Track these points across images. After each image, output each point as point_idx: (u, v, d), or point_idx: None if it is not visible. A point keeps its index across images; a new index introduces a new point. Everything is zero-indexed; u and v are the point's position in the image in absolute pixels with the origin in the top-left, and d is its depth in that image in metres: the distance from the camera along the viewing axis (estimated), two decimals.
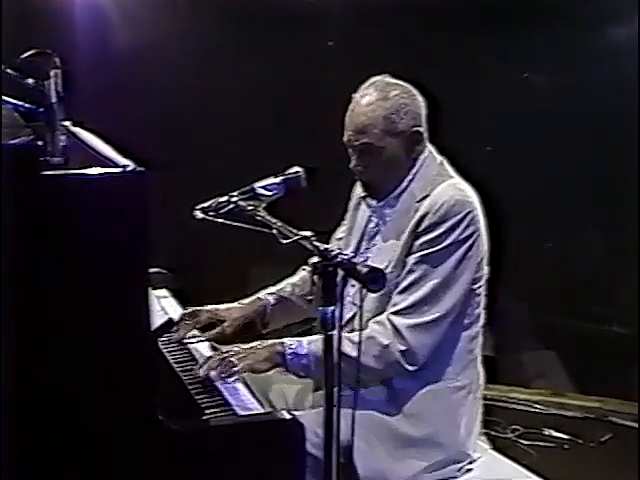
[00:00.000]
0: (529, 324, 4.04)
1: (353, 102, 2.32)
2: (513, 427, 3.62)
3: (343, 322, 2.29)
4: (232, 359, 2.21)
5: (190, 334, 2.43)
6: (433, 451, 2.25)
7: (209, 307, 2.50)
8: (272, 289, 2.60)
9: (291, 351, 2.22)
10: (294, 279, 2.62)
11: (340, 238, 2.55)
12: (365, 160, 2.30)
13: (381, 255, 2.30)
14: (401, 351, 2.20)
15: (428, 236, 2.22)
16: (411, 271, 2.23)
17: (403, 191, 2.31)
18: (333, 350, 1.85)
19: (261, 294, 2.58)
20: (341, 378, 1.86)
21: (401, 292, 2.24)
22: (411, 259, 2.24)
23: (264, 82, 3.92)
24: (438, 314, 2.22)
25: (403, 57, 3.68)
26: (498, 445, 2.52)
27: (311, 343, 2.23)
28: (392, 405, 2.26)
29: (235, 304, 2.54)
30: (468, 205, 2.24)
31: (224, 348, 2.31)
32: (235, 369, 2.19)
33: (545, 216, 3.90)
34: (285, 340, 2.26)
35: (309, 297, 1.97)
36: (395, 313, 2.23)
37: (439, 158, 2.37)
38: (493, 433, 3.31)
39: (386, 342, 2.21)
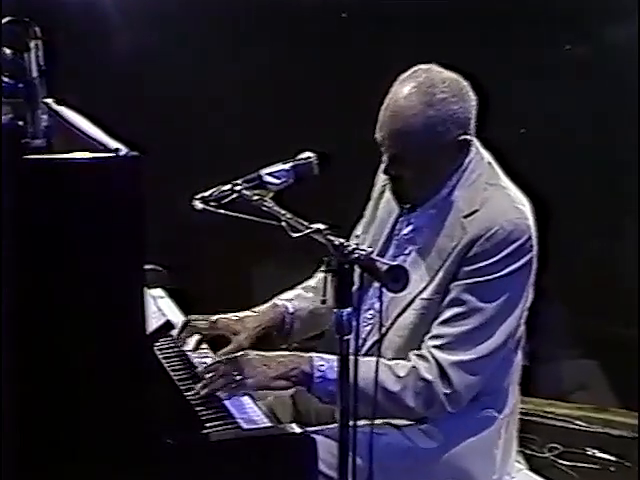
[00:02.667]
0: (568, 330, 4.04)
1: (390, 96, 2.19)
2: (551, 445, 3.61)
3: (369, 344, 2.29)
4: (239, 371, 2.14)
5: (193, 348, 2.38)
6: None
7: (216, 317, 2.41)
8: (290, 294, 2.52)
9: (320, 374, 2.16)
10: (312, 283, 2.55)
11: (358, 235, 2.50)
12: (399, 169, 2.22)
13: (417, 271, 2.21)
14: (446, 394, 2.16)
15: (480, 264, 2.15)
16: (457, 301, 2.16)
17: (444, 199, 2.23)
18: (349, 363, 1.85)
19: (277, 300, 2.50)
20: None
21: (445, 323, 2.17)
22: (458, 287, 2.17)
23: (272, 57, 3.93)
24: (488, 351, 2.16)
25: (423, 29, 3.68)
26: (534, 465, 2.53)
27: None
28: (419, 432, 2.24)
29: (247, 312, 2.46)
30: (527, 229, 2.17)
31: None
32: (242, 387, 2.13)
33: (589, 210, 3.89)
34: (313, 357, 2.18)
35: (322, 297, 1.97)
36: (437, 347, 2.17)
37: (487, 157, 2.28)
38: (528, 452, 3.31)
39: (429, 377, 2.16)
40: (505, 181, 2.28)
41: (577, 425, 3.85)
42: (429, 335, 2.20)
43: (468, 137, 2.21)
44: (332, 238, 1.92)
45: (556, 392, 4.00)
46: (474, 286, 2.16)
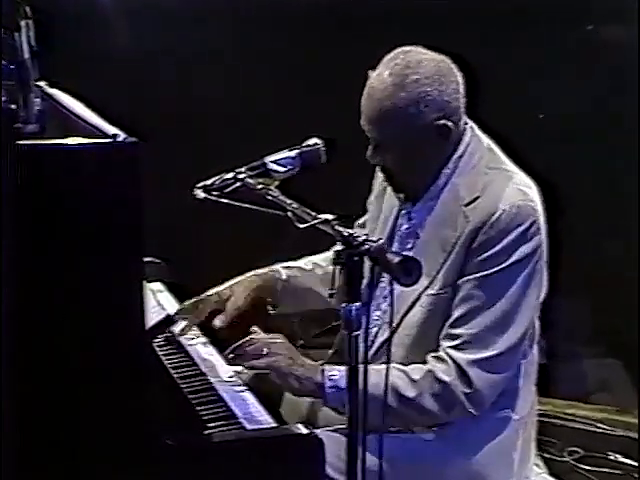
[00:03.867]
0: (589, 327, 4.04)
1: (368, 83, 2.23)
2: (571, 449, 3.61)
3: (375, 346, 2.30)
4: (267, 346, 2.19)
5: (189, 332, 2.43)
6: None
7: (204, 294, 2.47)
8: (289, 263, 2.56)
9: (332, 384, 2.17)
10: (319, 257, 2.57)
11: (362, 224, 2.53)
12: (381, 155, 2.25)
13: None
14: (466, 394, 2.16)
15: (486, 254, 2.15)
16: (468, 297, 2.17)
17: (443, 188, 2.25)
18: (358, 361, 1.86)
19: (274, 266, 2.54)
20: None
21: (457, 323, 2.18)
22: (467, 283, 2.17)
23: (274, 42, 3.93)
24: (508, 345, 2.17)
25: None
26: (554, 469, 2.54)
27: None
28: (433, 435, 2.25)
29: (237, 279, 2.50)
30: (532, 212, 2.18)
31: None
32: (263, 363, 2.18)
33: (612, 204, 3.89)
34: (326, 367, 2.20)
35: (331, 291, 1.97)
36: (453, 347, 2.17)
37: (486, 141, 2.29)
38: (547, 456, 3.31)
39: (448, 379, 2.16)
40: (507, 164, 2.28)
41: (599, 428, 3.83)
42: (443, 335, 2.20)
43: (448, 122, 2.20)
44: (341, 229, 1.92)
45: (577, 393, 3.99)
46: (484, 280, 2.16)
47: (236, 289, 2.46)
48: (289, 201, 2.08)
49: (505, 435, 2.28)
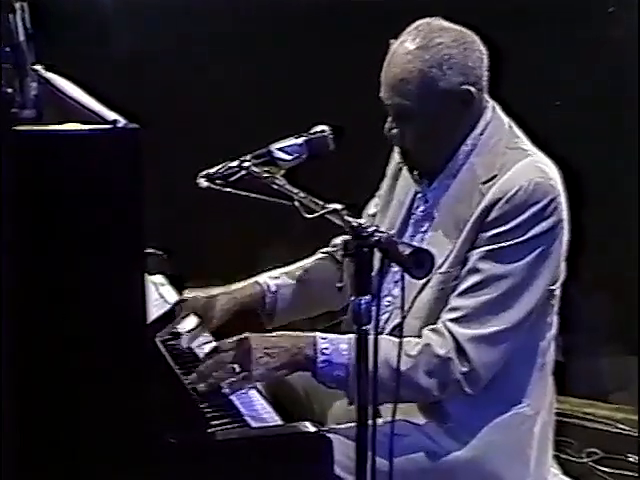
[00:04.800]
0: (609, 324, 4.04)
1: (390, 50, 2.27)
2: (590, 450, 3.62)
3: (388, 329, 2.32)
4: (240, 363, 2.15)
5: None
6: None
7: (185, 296, 2.45)
8: (275, 272, 2.55)
9: (324, 357, 2.18)
10: (307, 262, 2.58)
11: (373, 214, 2.53)
12: (401, 124, 2.27)
13: (435, 248, 2.20)
14: (462, 371, 2.17)
15: (499, 229, 2.17)
16: (475, 270, 2.19)
17: (461, 166, 2.27)
18: (367, 355, 1.85)
19: (260, 277, 2.52)
20: (378, 394, 1.85)
21: (462, 295, 2.20)
22: (475, 254, 2.19)
23: (278, 29, 3.94)
24: (509, 324, 2.18)
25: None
26: (571, 471, 2.56)
27: (351, 350, 2.15)
28: (443, 432, 2.26)
29: (221, 289, 2.48)
30: (551, 190, 2.20)
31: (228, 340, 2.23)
32: (238, 384, 2.15)
33: (636, 197, 3.88)
34: (317, 338, 2.19)
35: (339, 284, 1.98)
36: (453, 320, 2.19)
37: (506, 120, 2.32)
38: (564, 456, 3.33)
39: (443, 352, 2.17)
40: (527, 144, 2.30)
41: (618, 429, 3.84)
42: (446, 308, 2.22)
43: (472, 88, 2.24)
44: (350, 219, 1.93)
45: (595, 392, 4.00)
46: (493, 253, 2.18)
47: (213, 309, 2.42)
48: (296, 190, 2.08)
49: (520, 432, 2.29)
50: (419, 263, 1.84)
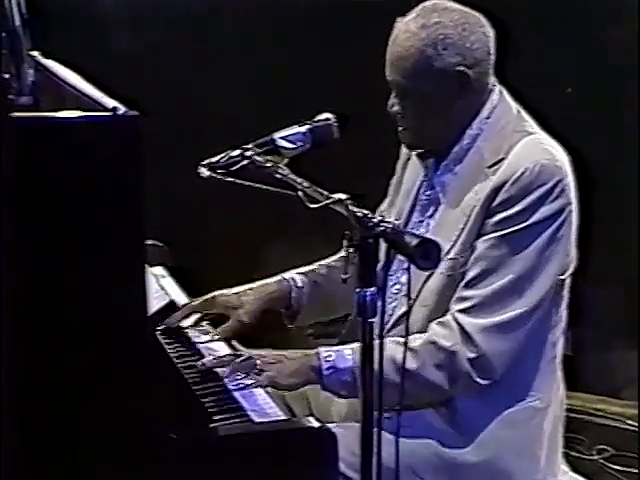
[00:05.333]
0: (621, 317, 4.04)
1: (394, 30, 2.32)
2: (600, 447, 3.62)
3: (394, 318, 2.33)
4: (252, 362, 2.21)
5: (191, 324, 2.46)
6: None
7: (213, 294, 2.48)
8: (302, 269, 2.56)
9: (328, 365, 2.20)
10: (330, 260, 2.58)
11: (384, 210, 2.55)
12: (400, 99, 2.31)
13: (441, 234, 2.26)
14: (470, 359, 2.18)
15: (505, 213, 2.18)
16: (483, 257, 2.20)
17: (467, 151, 2.29)
18: (373, 349, 1.85)
19: (286, 274, 2.55)
20: (388, 396, 1.86)
21: (470, 284, 2.21)
22: (483, 242, 2.20)
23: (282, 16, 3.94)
24: (519, 312, 2.19)
25: None
26: (582, 469, 2.54)
27: (355, 353, 2.19)
28: (450, 427, 2.27)
29: (249, 285, 2.51)
30: (557, 171, 2.21)
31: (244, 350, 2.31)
32: (251, 380, 2.18)
33: None
34: (320, 350, 2.23)
35: (344, 276, 1.98)
36: (463, 311, 2.20)
37: (514, 105, 2.34)
38: (575, 454, 3.33)
39: (450, 345, 2.18)
40: (534, 127, 2.32)
41: (630, 425, 3.84)
42: (454, 299, 2.23)
43: (468, 70, 2.26)
44: (355, 209, 1.92)
45: (606, 387, 4.00)
46: (500, 239, 2.19)
47: (245, 301, 2.47)
48: (299, 180, 2.09)
49: (530, 427, 2.30)
50: (426, 254, 1.84)
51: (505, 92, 2.35)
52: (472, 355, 2.18)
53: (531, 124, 2.32)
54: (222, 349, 2.38)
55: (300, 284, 2.53)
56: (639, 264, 3.75)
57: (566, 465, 2.47)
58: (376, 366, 1.86)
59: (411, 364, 2.15)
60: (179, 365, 2.27)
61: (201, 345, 2.39)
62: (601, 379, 4.02)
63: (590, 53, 3.85)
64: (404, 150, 2.52)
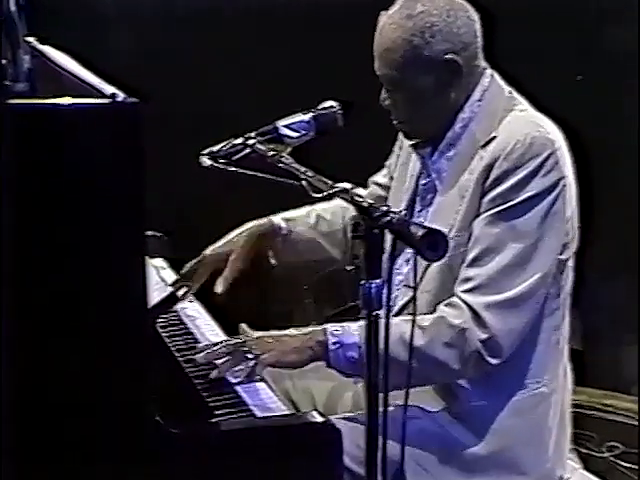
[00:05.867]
0: (632, 311, 4.04)
1: (379, 23, 2.33)
2: (610, 444, 3.63)
3: (396, 308, 2.35)
4: (249, 347, 2.21)
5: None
6: (514, 478, 2.28)
7: (202, 254, 2.52)
8: (289, 213, 2.61)
9: (335, 339, 2.21)
10: (321, 208, 2.61)
11: (382, 185, 2.59)
12: (391, 93, 2.33)
13: (440, 218, 2.30)
14: (481, 340, 2.19)
15: (499, 189, 2.21)
16: (482, 236, 2.23)
17: (460, 135, 2.32)
18: (378, 341, 1.86)
19: (273, 217, 2.59)
20: (391, 377, 1.85)
21: (472, 264, 2.23)
22: (480, 221, 2.24)
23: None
24: (523, 287, 2.21)
25: None
26: (591, 466, 2.56)
27: (363, 330, 2.22)
28: (456, 416, 2.28)
29: (235, 232, 2.55)
30: (549, 144, 2.24)
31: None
32: (251, 364, 2.20)
33: None
34: (328, 325, 2.25)
35: (348, 267, 1.99)
36: (468, 291, 2.22)
37: (507, 88, 2.37)
38: (584, 451, 3.33)
39: (458, 322, 2.20)
40: (526, 105, 2.34)
41: None
42: (458, 280, 2.25)
43: (457, 57, 2.28)
44: (360, 199, 1.93)
45: (616, 383, 4.00)
46: (496, 216, 2.22)
47: (236, 245, 2.51)
48: (303, 169, 2.09)
49: (537, 413, 2.31)
50: (432, 245, 1.84)
51: (496, 75, 2.37)
52: (484, 336, 2.20)
53: (522, 103, 2.35)
54: (215, 334, 2.40)
55: (285, 231, 2.56)
56: (639, 265, 3.76)
57: (577, 461, 2.48)
58: (383, 346, 1.86)
59: (419, 341, 2.16)
60: (179, 358, 2.27)
61: (196, 332, 2.41)
62: (611, 374, 4.02)
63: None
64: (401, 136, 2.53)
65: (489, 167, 2.24)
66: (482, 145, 2.27)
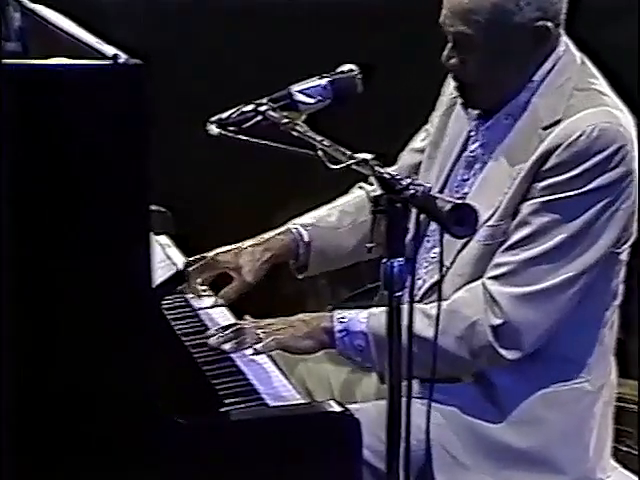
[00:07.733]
0: None
1: None
2: None
3: (423, 290, 2.36)
4: (259, 331, 2.26)
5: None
6: (550, 476, 2.29)
7: (213, 253, 2.52)
8: (307, 218, 2.59)
9: (341, 327, 2.26)
10: (342, 202, 2.61)
11: (421, 150, 2.55)
12: (462, 52, 2.29)
13: (485, 195, 2.29)
14: (493, 327, 2.20)
15: (556, 179, 2.20)
16: (525, 223, 2.22)
17: (524, 107, 2.30)
18: (400, 324, 1.88)
19: (291, 225, 2.58)
20: (412, 368, 1.88)
21: (508, 250, 2.23)
22: (527, 206, 2.22)
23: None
24: (553, 282, 2.21)
25: None
26: (630, 464, 2.56)
27: (371, 317, 2.25)
28: (491, 408, 2.29)
29: (252, 241, 2.54)
30: (619, 137, 2.22)
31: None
32: (261, 345, 2.24)
33: None
34: (334, 312, 2.29)
35: (370, 245, 2.00)
36: (494, 278, 2.23)
37: (578, 56, 2.34)
38: (624, 448, 3.33)
39: (473, 315, 2.21)
40: (602, 84, 2.32)
41: None
42: (490, 265, 2.25)
43: (549, 24, 2.25)
44: (381, 170, 1.93)
45: None
46: (547, 205, 2.21)
47: (245, 261, 2.50)
48: (319, 138, 2.10)
49: (578, 410, 2.32)
50: (460, 220, 1.85)
51: (570, 44, 2.35)
52: (496, 321, 2.20)
53: (598, 80, 2.32)
54: (224, 318, 2.43)
55: (307, 239, 2.55)
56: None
57: (614, 460, 2.50)
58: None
59: (427, 332, 2.15)
60: (188, 343, 2.29)
61: (204, 315, 2.43)
62: None
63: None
64: (445, 99, 2.51)
65: (548, 153, 2.21)
66: (544, 127, 2.25)
